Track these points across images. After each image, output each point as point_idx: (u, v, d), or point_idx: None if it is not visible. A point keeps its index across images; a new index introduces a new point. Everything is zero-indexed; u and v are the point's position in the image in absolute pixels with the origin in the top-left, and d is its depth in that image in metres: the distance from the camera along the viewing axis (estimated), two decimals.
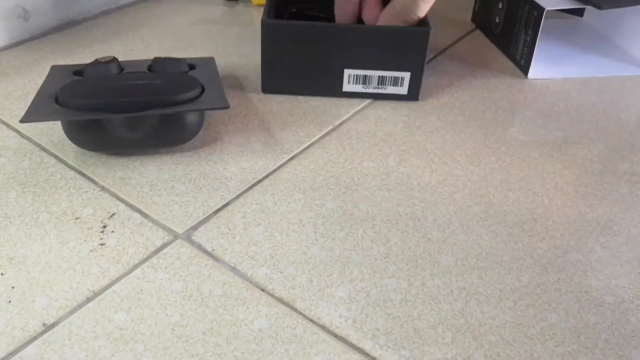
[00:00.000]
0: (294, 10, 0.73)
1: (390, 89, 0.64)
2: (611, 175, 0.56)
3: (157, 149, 0.57)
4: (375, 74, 0.63)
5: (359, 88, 0.65)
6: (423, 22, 0.63)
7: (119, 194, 0.52)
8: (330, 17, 0.70)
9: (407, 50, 0.62)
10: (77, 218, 0.49)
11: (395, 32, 0.61)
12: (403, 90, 0.65)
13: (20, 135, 0.58)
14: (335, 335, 0.41)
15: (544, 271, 0.46)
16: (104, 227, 0.49)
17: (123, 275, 0.45)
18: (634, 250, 0.48)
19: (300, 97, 0.66)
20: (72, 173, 0.54)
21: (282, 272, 0.45)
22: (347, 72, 0.63)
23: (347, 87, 0.65)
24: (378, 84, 0.64)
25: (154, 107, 0.52)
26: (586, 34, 0.83)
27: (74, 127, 0.53)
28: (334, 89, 0.65)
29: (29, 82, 0.67)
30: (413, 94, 0.65)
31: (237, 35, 0.79)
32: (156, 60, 0.61)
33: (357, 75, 0.64)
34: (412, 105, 0.66)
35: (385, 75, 0.64)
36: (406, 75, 0.64)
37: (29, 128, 0.59)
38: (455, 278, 0.45)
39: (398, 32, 0.61)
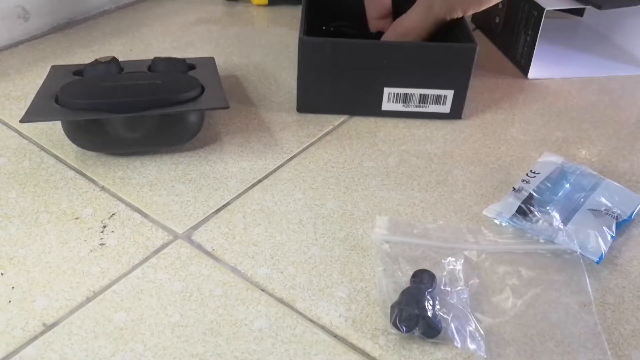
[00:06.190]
0: (331, 28, 0.69)
1: (432, 108, 0.62)
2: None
3: (157, 149, 0.57)
4: (416, 92, 0.61)
5: (399, 107, 0.62)
6: (469, 38, 0.60)
7: (119, 194, 0.52)
8: (365, 34, 0.66)
9: (451, 68, 0.59)
10: (77, 218, 0.49)
11: (440, 48, 0.58)
12: (445, 108, 0.62)
13: (20, 135, 0.58)
14: (335, 335, 0.41)
15: (544, 271, 0.46)
16: (104, 227, 0.49)
17: (123, 275, 0.45)
18: (634, 250, 0.48)
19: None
20: (72, 173, 0.54)
21: (282, 272, 0.45)
22: (387, 91, 0.61)
23: (386, 105, 0.62)
24: (419, 103, 0.61)
25: (154, 107, 0.52)
26: (586, 34, 0.83)
27: (74, 127, 0.53)
28: (372, 108, 0.62)
29: (29, 82, 0.67)
30: (456, 113, 0.63)
31: (237, 35, 0.79)
32: (156, 60, 0.61)
33: (397, 93, 0.61)
34: None
35: (427, 93, 0.61)
36: (449, 93, 0.61)
37: (29, 128, 0.59)
38: None
39: (443, 48, 0.58)
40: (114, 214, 0.50)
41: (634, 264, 0.47)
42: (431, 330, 0.40)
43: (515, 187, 0.53)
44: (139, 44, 0.76)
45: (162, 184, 0.53)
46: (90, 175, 0.54)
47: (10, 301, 0.42)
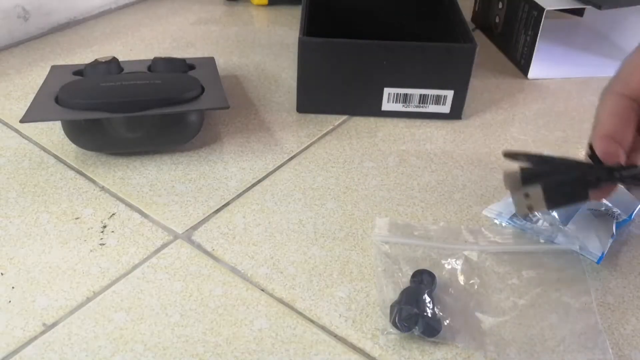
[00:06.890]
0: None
1: (432, 108, 0.62)
2: None
3: (157, 149, 0.57)
4: (416, 92, 0.61)
5: (399, 107, 0.62)
6: (469, 38, 0.60)
7: (119, 194, 0.52)
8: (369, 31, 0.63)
9: (451, 68, 0.59)
10: (77, 218, 0.49)
11: (439, 49, 0.58)
12: (445, 108, 0.62)
13: (20, 135, 0.58)
14: (335, 335, 0.41)
15: (544, 271, 0.46)
16: (104, 227, 0.49)
17: (123, 275, 0.45)
18: (634, 250, 0.48)
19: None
20: (72, 173, 0.54)
21: (282, 272, 0.45)
22: (387, 91, 0.61)
23: (386, 106, 0.62)
24: (419, 103, 0.61)
25: (154, 107, 0.52)
26: (586, 34, 0.83)
27: (74, 127, 0.53)
28: (372, 108, 0.62)
29: (29, 82, 0.67)
30: (456, 113, 0.62)
31: (237, 35, 0.79)
32: (156, 60, 0.61)
33: (397, 93, 0.61)
34: None
35: (427, 93, 0.61)
36: (449, 94, 0.61)
37: (29, 128, 0.59)
38: None
39: (443, 48, 0.58)
40: (114, 214, 0.50)
41: (634, 264, 0.47)
42: (431, 329, 0.40)
43: None
44: (139, 44, 0.76)
45: (162, 184, 0.53)
46: (90, 175, 0.54)
47: (10, 301, 0.42)
